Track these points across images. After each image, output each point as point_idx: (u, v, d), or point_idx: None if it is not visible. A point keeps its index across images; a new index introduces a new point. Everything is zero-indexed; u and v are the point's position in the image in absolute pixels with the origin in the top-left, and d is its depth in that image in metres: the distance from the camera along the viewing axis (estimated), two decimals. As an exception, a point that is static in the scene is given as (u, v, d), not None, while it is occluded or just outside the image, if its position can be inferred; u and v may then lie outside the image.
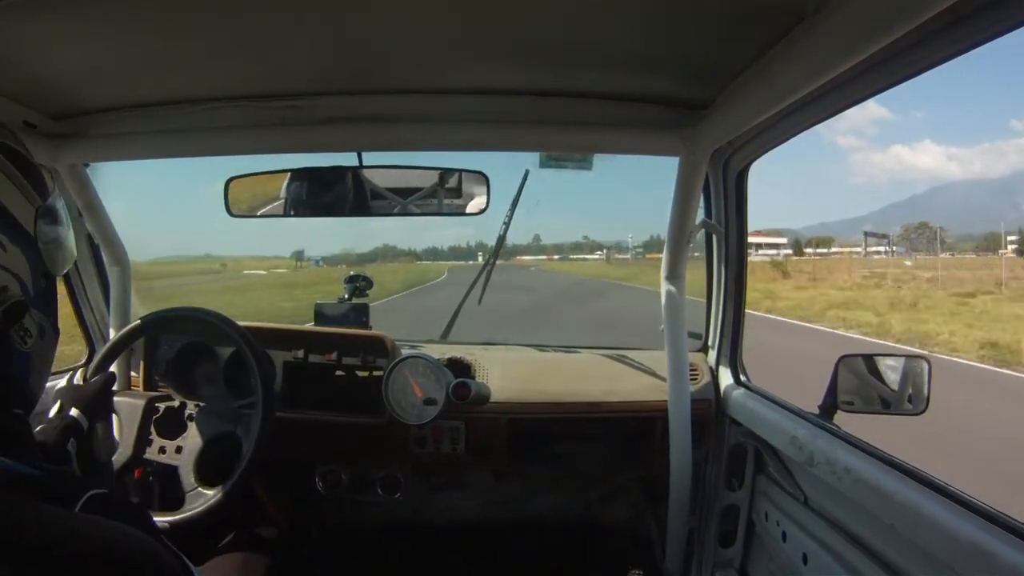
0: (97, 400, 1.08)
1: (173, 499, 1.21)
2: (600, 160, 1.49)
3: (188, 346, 1.49)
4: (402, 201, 1.41)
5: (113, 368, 1.41)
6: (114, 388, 1.15)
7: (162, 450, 1.26)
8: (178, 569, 0.48)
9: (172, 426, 1.28)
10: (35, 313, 0.56)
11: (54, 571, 0.41)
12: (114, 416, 1.24)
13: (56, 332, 0.61)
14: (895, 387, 1.19)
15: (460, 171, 1.40)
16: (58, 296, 0.64)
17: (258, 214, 1.47)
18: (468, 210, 1.41)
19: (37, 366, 0.57)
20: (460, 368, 1.51)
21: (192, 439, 1.26)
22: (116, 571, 0.44)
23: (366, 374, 1.50)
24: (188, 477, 1.21)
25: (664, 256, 1.45)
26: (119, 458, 1.22)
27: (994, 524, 0.71)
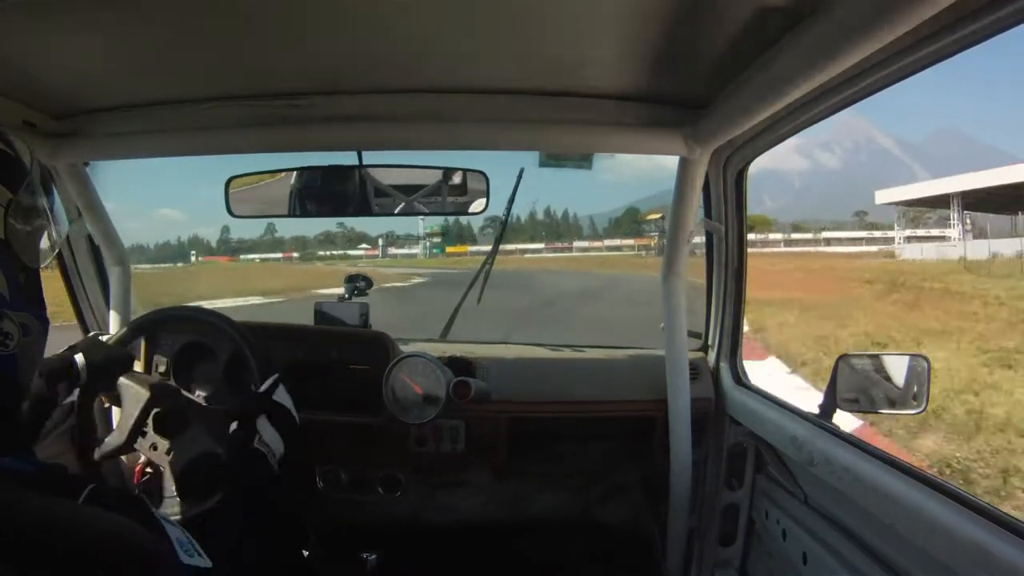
0: (109, 364, 1.10)
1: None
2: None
3: (187, 345, 1.49)
4: (406, 199, 1.41)
5: None
6: (128, 369, 1.17)
7: (153, 447, 1.21)
8: (172, 560, 0.49)
9: (171, 425, 1.27)
10: (14, 314, 0.55)
11: (57, 560, 0.42)
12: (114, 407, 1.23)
13: (44, 323, 0.60)
14: (895, 386, 1.19)
15: (461, 170, 1.40)
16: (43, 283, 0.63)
17: (258, 214, 1.47)
18: (461, 209, 1.41)
19: (24, 364, 0.57)
20: (460, 367, 1.51)
21: (184, 446, 1.23)
22: (117, 560, 0.45)
23: (366, 373, 1.51)
24: (169, 483, 1.17)
25: (664, 255, 1.46)
26: (112, 440, 1.20)
27: (994, 523, 0.72)
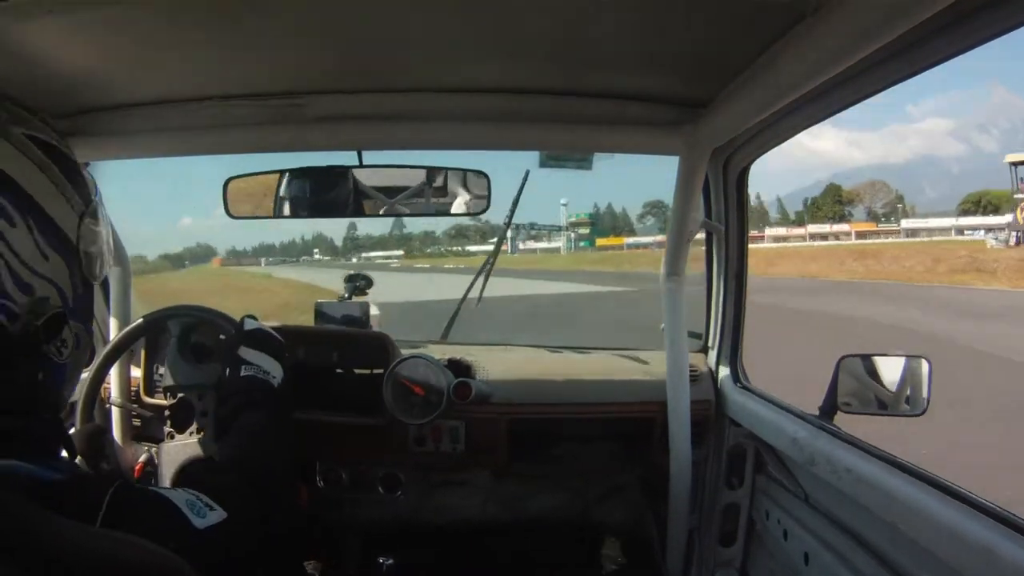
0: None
1: None
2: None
3: (189, 345, 1.49)
4: (388, 201, 1.40)
5: (114, 370, 1.41)
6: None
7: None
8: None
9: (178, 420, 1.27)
10: (73, 324, 0.54)
11: None
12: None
13: (91, 335, 0.59)
14: (894, 388, 1.19)
15: (448, 169, 1.39)
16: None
17: (255, 215, 1.47)
18: (461, 209, 1.40)
19: (70, 375, 0.56)
20: (460, 368, 1.51)
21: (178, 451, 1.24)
22: None
23: (366, 373, 1.50)
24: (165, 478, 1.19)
25: (664, 255, 1.46)
26: None
27: (998, 522, 0.71)
